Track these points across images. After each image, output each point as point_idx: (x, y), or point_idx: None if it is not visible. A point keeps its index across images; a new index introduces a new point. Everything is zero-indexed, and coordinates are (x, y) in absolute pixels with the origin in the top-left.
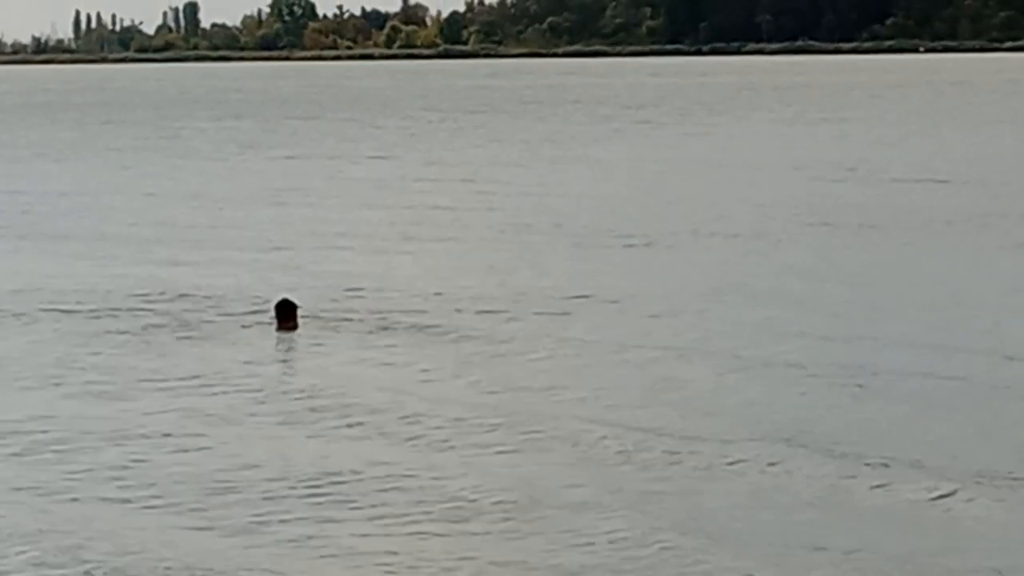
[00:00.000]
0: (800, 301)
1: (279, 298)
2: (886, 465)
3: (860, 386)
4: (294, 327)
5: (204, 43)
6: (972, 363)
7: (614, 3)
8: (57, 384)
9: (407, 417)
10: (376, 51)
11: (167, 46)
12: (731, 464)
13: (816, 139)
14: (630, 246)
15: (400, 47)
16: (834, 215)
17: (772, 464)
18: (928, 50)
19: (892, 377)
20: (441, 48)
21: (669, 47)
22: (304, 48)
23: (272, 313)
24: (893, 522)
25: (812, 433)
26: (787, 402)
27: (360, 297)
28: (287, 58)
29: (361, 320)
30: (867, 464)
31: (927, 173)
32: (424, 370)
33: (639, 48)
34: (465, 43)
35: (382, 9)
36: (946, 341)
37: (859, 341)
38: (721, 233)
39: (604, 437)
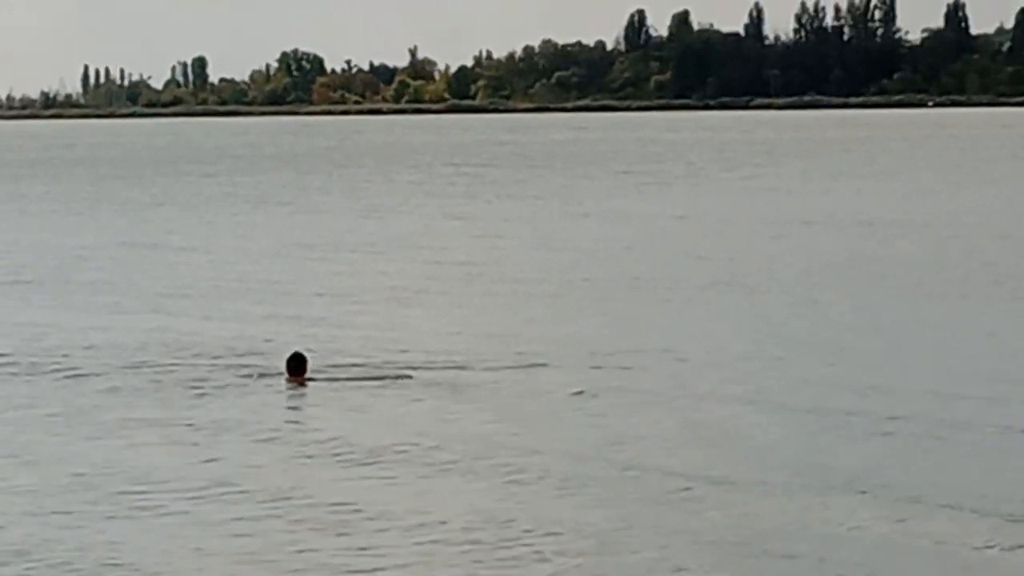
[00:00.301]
0: (838, 352)
1: (290, 352)
2: (948, 510)
3: (911, 434)
4: (305, 381)
5: (212, 98)
6: (1018, 412)
7: (622, 58)
8: (63, 439)
9: (441, 466)
10: (384, 106)
11: (175, 101)
12: (795, 513)
13: (837, 194)
14: (655, 299)
15: (408, 101)
16: (859, 268)
17: (833, 511)
18: (936, 104)
19: (942, 426)
20: (449, 102)
21: (677, 102)
22: (312, 103)
23: (283, 366)
24: (965, 569)
25: (870, 480)
26: (839, 449)
27: (374, 351)
28: (295, 112)
29: (373, 374)
30: (929, 510)
31: (945, 226)
32: (443, 421)
33: (647, 103)
34: (473, 97)
35: (390, 63)
36: (989, 391)
37: (902, 391)
38: (746, 286)
39: (663, 488)
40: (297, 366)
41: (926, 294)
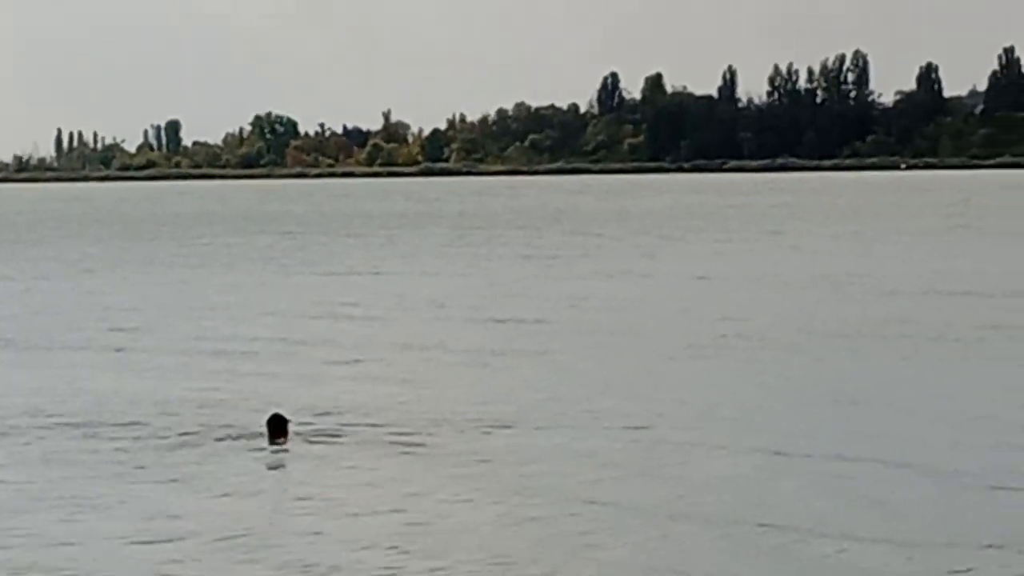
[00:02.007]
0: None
1: (271, 413)
2: None
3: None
4: (285, 441)
5: (186, 161)
6: None
7: (595, 121)
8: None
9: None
10: (358, 169)
11: (149, 164)
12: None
13: (840, 255)
14: (650, 360)
15: (382, 164)
16: (857, 328)
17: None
18: (909, 167)
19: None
20: (422, 165)
21: (650, 164)
22: (286, 166)
23: (264, 428)
24: None
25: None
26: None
27: (357, 413)
28: (269, 176)
29: (359, 437)
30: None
31: (930, 285)
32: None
33: (620, 165)
34: (447, 160)
35: (363, 127)
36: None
37: (897, 438)
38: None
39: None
40: (277, 427)
41: (936, 354)
